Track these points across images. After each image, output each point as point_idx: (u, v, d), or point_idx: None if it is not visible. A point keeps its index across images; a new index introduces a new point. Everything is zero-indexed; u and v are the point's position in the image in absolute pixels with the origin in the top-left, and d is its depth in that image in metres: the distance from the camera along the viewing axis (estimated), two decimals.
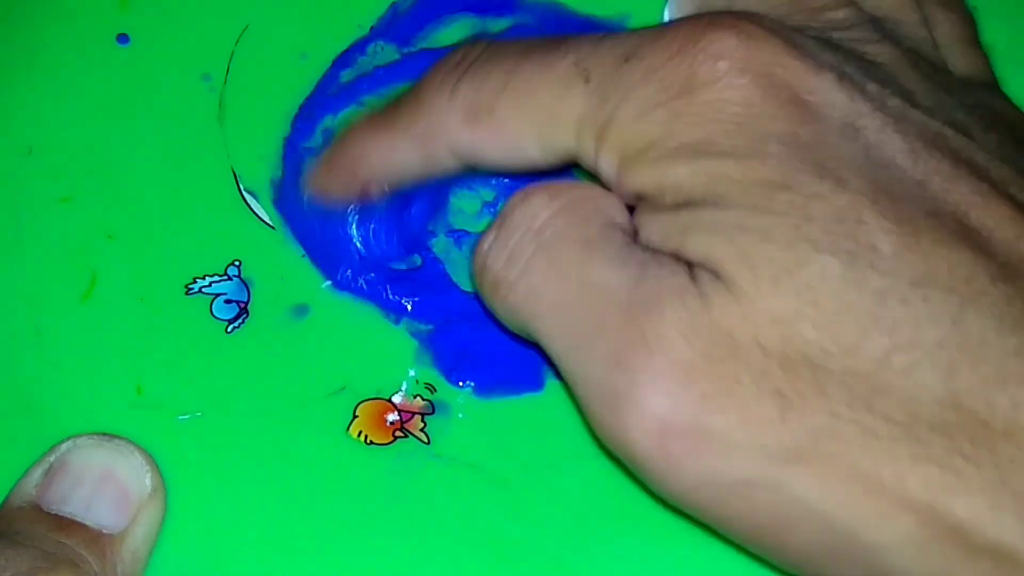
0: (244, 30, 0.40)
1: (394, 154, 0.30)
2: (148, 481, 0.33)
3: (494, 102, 0.28)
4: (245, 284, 0.37)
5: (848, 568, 0.25)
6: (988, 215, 0.25)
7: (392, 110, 0.31)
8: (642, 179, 0.27)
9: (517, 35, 0.40)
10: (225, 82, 0.39)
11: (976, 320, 0.24)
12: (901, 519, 0.24)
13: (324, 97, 0.39)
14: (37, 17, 0.40)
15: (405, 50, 0.40)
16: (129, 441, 0.34)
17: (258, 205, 0.38)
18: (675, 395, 0.25)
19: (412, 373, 0.36)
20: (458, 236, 0.38)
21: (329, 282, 0.37)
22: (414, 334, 0.37)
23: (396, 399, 0.36)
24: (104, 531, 0.32)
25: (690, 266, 0.26)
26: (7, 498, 0.33)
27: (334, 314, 0.37)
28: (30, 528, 0.31)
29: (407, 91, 0.31)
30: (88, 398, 0.36)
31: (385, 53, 0.40)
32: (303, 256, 0.37)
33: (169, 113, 0.39)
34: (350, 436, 0.36)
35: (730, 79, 0.26)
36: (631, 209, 0.29)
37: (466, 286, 0.37)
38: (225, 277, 0.37)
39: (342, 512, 0.35)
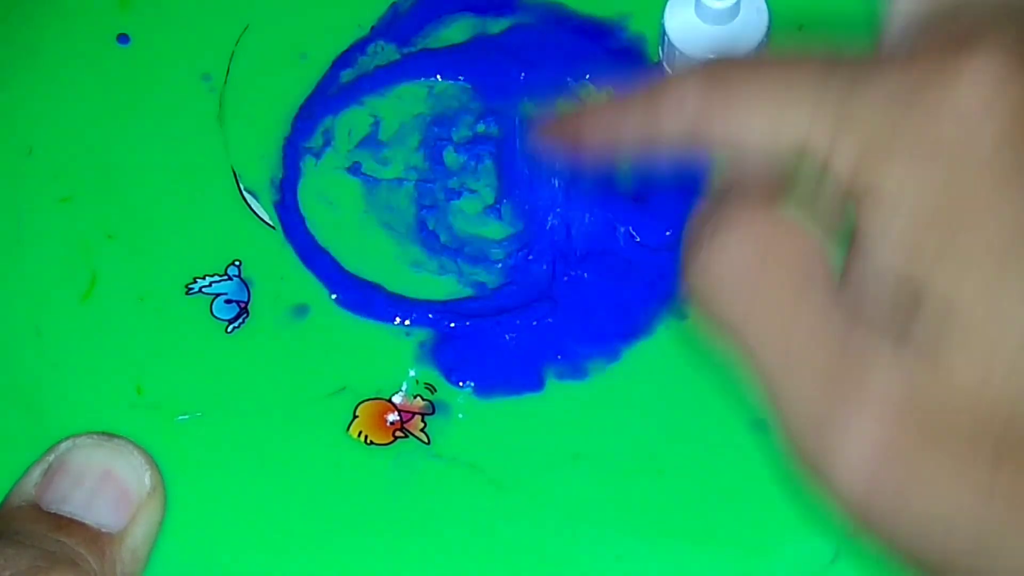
0: (244, 30, 0.40)
1: (624, 116, 0.29)
2: (147, 480, 0.33)
3: (737, 74, 0.27)
4: (245, 284, 0.37)
5: None
6: None
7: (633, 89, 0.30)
8: (882, 175, 0.25)
9: (517, 35, 0.40)
10: (225, 82, 0.39)
11: None
12: None
13: (324, 97, 0.39)
14: (37, 17, 0.40)
15: (405, 50, 0.40)
16: (128, 440, 0.34)
17: (258, 205, 0.38)
18: (885, 450, 0.24)
19: (412, 373, 0.36)
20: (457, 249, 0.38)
21: (336, 295, 0.37)
22: (411, 335, 0.37)
23: (396, 399, 0.36)
24: (103, 530, 0.32)
25: (913, 300, 0.24)
26: (7, 498, 0.33)
27: (334, 314, 0.37)
28: (30, 527, 0.31)
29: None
30: (88, 398, 0.36)
31: (385, 53, 0.40)
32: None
33: (169, 113, 0.39)
34: (350, 436, 0.36)
35: (989, 105, 0.24)
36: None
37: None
38: (225, 277, 0.37)
39: (342, 512, 0.35)
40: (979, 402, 0.24)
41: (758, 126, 0.26)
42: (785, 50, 0.28)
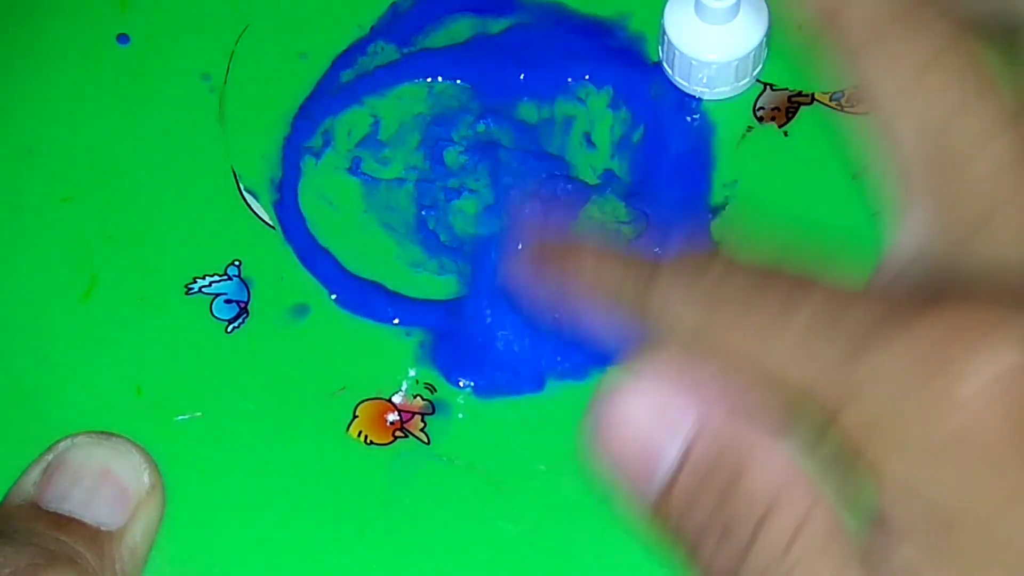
0: (244, 30, 0.40)
1: (608, 301, 0.26)
2: (146, 478, 0.33)
3: (721, 334, 0.24)
4: (245, 284, 0.37)
5: None
6: None
7: (627, 261, 0.26)
8: (892, 464, 0.24)
9: (517, 35, 0.40)
10: (225, 82, 0.39)
11: None
12: None
13: (324, 97, 0.39)
14: (37, 17, 0.40)
15: (405, 50, 0.40)
16: (127, 439, 0.34)
17: (258, 205, 0.38)
18: None
19: (412, 373, 0.36)
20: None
21: (335, 295, 0.37)
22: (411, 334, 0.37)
23: (396, 399, 0.36)
24: (102, 528, 0.32)
25: None
26: (6, 497, 0.33)
27: (334, 314, 0.37)
28: (29, 526, 0.31)
29: (644, 253, 0.27)
30: (88, 398, 0.36)
31: (385, 53, 0.40)
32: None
33: (169, 113, 0.39)
34: (350, 436, 0.36)
35: (999, 408, 0.23)
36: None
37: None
38: (225, 277, 0.37)
39: (342, 512, 0.35)
40: None
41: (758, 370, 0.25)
42: (781, 267, 0.25)
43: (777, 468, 0.24)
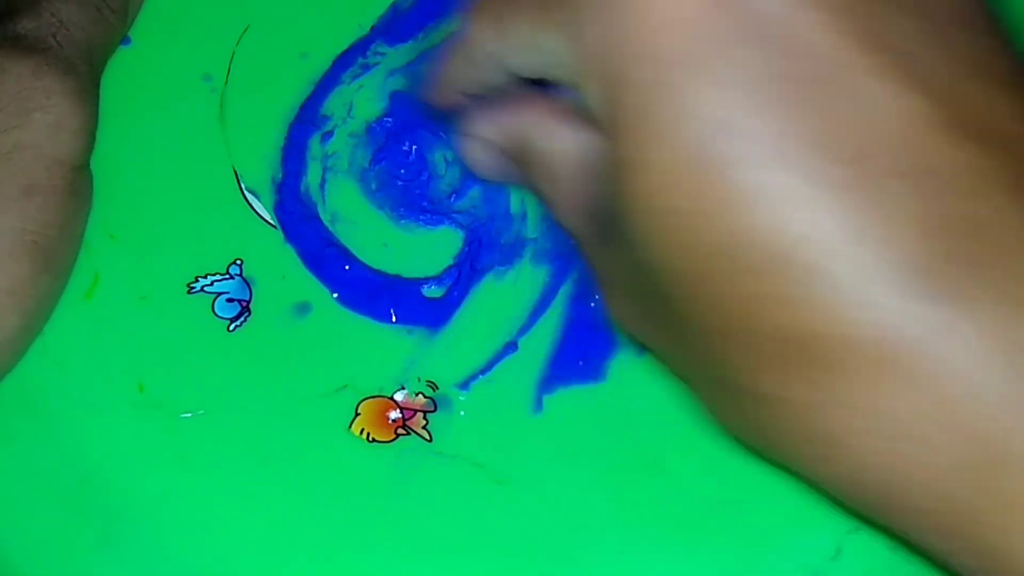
0: (245, 30, 0.40)
1: (459, 70, 0.32)
2: None
3: (503, 11, 0.30)
4: (247, 283, 0.37)
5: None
6: None
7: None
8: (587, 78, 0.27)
9: None
10: (226, 82, 0.39)
11: None
12: None
13: (324, 97, 0.39)
14: None
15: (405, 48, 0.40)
16: None
17: (259, 204, 0.38)
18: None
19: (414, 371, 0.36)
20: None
21: (336, 294, 0.37)
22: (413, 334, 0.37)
23: (398, 396, 0.36)
24: None
25: None
26: None
27: (336, 312, 0.37)
28: None
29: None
30: (91, 396, 0.36)
31: (387, 54, 0.40)
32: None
33: (170, 113, 0.39)
34: (352, 434, 0.36)
35: None
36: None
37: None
38: (227, 276, 0.37)
39: (344, 509, 0.35)
40: None
41: (531, 45, 0.29)
42: None
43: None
